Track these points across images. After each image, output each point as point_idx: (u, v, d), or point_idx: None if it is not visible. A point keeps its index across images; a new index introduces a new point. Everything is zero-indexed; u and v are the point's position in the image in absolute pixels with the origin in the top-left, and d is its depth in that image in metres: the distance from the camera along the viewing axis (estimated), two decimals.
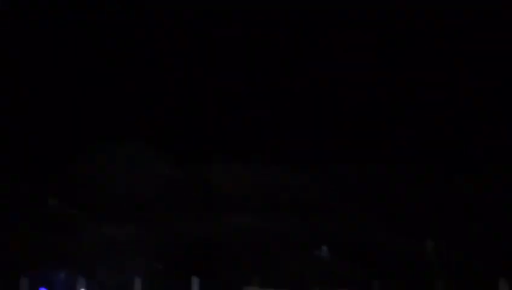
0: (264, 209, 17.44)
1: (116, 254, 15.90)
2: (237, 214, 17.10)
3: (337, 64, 18.23)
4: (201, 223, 16.90)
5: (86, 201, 17.13)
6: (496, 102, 18.11)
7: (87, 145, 18.19)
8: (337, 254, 16.63)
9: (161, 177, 18.06)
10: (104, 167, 17.86)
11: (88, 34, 18.74)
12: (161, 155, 18.39)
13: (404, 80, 18.23)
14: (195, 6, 18.45)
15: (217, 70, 18.84)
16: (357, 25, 18.43)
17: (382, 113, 18.51)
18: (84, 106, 18.66)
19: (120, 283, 15.18)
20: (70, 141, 18.23)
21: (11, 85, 18.21)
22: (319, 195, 18.14)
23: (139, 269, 15.07)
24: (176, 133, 18.47)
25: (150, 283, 14.56)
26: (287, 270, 15.95)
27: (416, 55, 18.55)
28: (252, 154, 18.23)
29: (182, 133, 18.67)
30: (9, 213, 16.13)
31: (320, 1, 18.24)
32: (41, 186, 17.42)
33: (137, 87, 18.77)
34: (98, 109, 18.56)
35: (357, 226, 17.02)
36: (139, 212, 16.78)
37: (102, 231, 16.39)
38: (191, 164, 18.46)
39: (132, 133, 18.24)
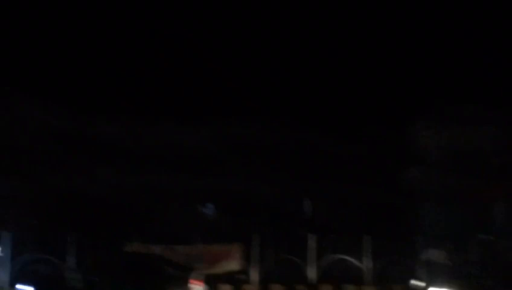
0: (149, 166, 17.05)
1: None
2: (118, 170, 16.48)
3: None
4: (79, 179, 16.00)
5: None
6: None
7: None
8: (221, 210, 17.00)
9: (37, 130, 16.63)
10: None
11: None
12: (39, 108, 16.90)
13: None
14: None
15: None
16: None
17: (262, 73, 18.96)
18: None
19: None
20: None
21: None
22: (203, 153, 18.22)
23: (11, 223, 13.89)
24: (59, 87, 17.06)
25: (23, 237, 13.55)
26: (170, 226, 15.90)
27: None
28: (138, 111, 17.64)
29: (65, 86, 17.29)
30: None
31: None
32: None
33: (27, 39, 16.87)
34: None
35: (241, 184, 17.49)
36: (14, 165, 15.33)
37: None
38: (72, 118, 17.29)
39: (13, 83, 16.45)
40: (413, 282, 12.12)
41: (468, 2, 18.68)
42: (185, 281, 12.52)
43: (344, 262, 15.11)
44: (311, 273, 14.64)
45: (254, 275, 14.35)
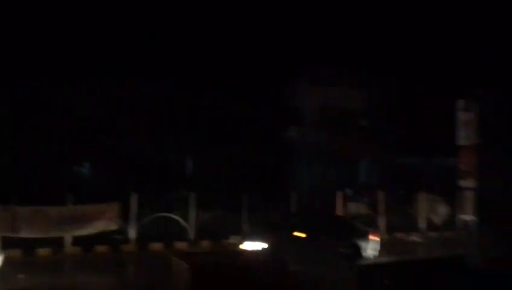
0: (22, 126, 15.75)
1: None
2: None
3: None
4: None
5: None
6: None
7: None
8: (97, 169, 16.36)
9: None
10: None
11: None
12: None
13: None
14: None
15: None
16: None
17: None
18: None
19: None
20: None
21: None
22: (78, 111, 17.25)
23: None
24: None
25: None
26: (42, 187, 14.99)
27: None
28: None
29: None
30: None
31: None
32: None
33: None
34: None
35: (118, 142, 16.94)
36: None
37: None
38: None
39: None
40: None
41: None
42: None
43: (224, 218, 15.52)
44: (191, 230, 14.84)
45: (132, 234, 14.15)
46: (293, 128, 22.75)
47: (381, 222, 17.27)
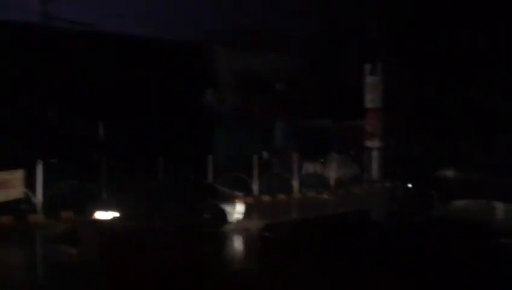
0: None
1: None
2: None
3: None
4: None
5: None
6: None
7: None
8: (1, 135, 15.43)
9: None
10: None
11: None
12: None
13: None
14: None
15: None
16: None
17: None
18: None
19: None
20: None
21: None
22: None
23: None
24: None
25: None
26: None
27: None
28: None
29: None
30: None
31: None
32: None
33: None
34: None
35: (26, 107, 16.03)
36: None
37: None
38: None
39: None
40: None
41: None
42: None
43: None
44: (104, 197, 14.47)
45: (40, 203, 13.56)
46: (209, 92, 22.64)
47: (295, 181, 17.94)
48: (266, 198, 16.88)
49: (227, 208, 12.13)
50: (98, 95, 17.81)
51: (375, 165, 18.85)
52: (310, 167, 21.34)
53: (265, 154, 20.90)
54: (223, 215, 12.06)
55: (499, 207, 14.04)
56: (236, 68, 22.29)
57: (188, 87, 20.83)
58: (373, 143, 18.96)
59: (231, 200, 12.44)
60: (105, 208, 11.81)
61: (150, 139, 17.99)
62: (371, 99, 19.08)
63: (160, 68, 19.83)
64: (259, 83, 22.24)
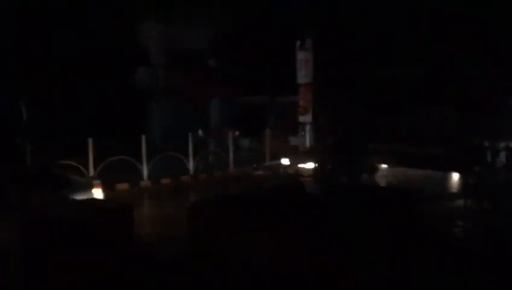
0: None
1: None
2: None
3: None
4: None
5: None
6: None
7: None
8: None
9: None
10: None
11: None
12: None
13: None
14: None
15: None
16: None
17: None
18: None
19: None
20: None
21: None
22: None
23: None
24: None
25: None
26: None
27: None
28: None
29: None
30: None
31: None
32: None
33: None
34: None
35: None
36: None
37: None
38: None
39: None
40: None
41: None
42: None
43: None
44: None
45: None
46: (141, 69, 22.08)
47: (230, 158, 18.01)
48: (203, 176, 16.83)
49: (79, 197, 10.33)
50: (21, 72, 16.88)
51: (308, 140, 19.27)
52: (245, 143, 21.49)
53: (200, 132, 20.78)
54: None
55: (419, 174, 15.09)
56: (168, 45, 21.84)
57: (119, 65, 20.19)
58: (306, 118, 19.34)
59: (86, 189, 11.24)
60: None
61: (79, 119, 17.35)
62: (303, 75, 19.35)
63: (90, 44, 19.05)
64: (193, 59, 21.96)
